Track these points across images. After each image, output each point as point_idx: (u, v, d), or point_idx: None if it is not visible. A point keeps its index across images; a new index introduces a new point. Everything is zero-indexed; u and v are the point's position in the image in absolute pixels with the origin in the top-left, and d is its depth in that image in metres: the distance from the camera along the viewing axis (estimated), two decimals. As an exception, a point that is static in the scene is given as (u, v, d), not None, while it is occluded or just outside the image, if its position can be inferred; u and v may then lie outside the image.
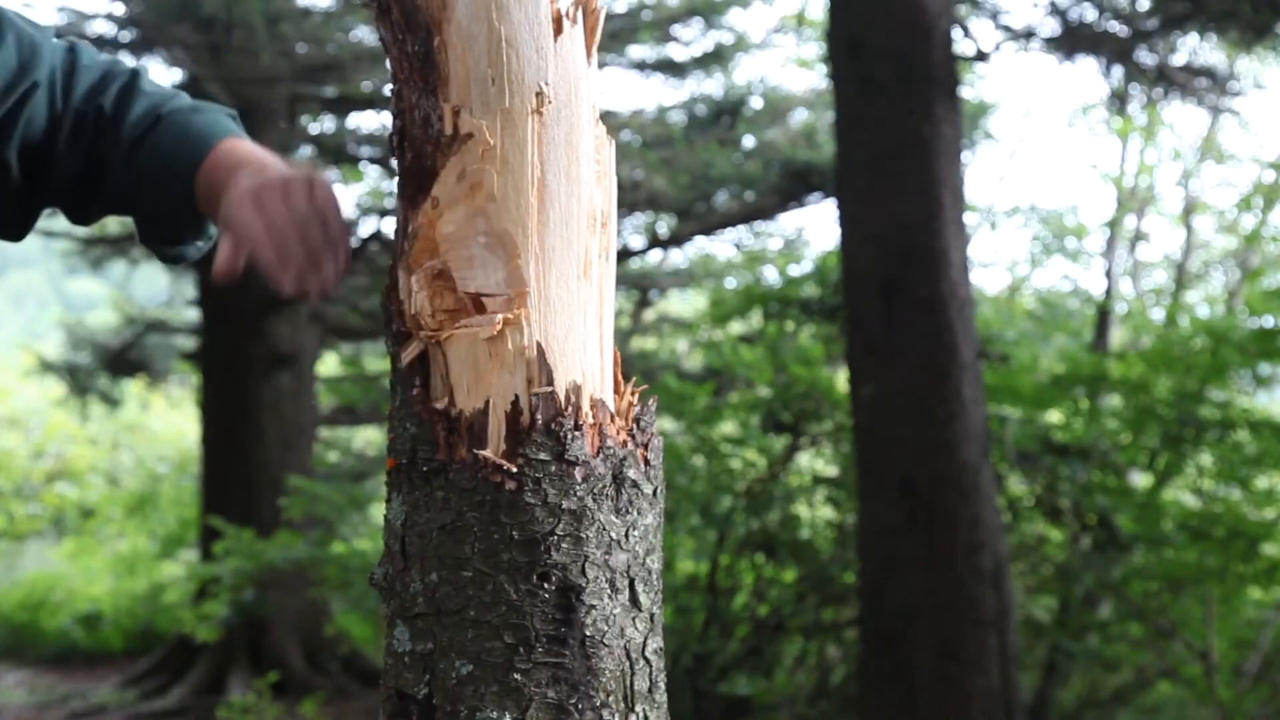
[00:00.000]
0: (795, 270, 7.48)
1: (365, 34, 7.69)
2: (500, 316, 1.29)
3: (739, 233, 9.10)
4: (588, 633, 1.29)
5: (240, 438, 8.01)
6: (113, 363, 9.61)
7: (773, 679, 5.88)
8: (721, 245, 9.90)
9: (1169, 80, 5.43)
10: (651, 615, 1.34)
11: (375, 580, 1.35)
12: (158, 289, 11.58)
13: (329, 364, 10.74)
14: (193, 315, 9.65)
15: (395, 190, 1.38)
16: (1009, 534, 5.39)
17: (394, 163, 1.37)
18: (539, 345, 1.30)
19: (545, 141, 1.31)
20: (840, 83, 4.85)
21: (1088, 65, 5.41)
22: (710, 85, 8.58)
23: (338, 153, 8.36)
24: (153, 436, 13.84)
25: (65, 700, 7.76)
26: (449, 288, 1.31)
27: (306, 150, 8.38)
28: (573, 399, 1.30)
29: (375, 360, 10.37)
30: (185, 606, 8.14)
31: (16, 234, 1.60)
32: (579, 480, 1.29)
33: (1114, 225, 9.97)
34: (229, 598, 6.58)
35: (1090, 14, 5.37)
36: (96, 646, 9.23)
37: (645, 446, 1.35)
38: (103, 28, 7.54)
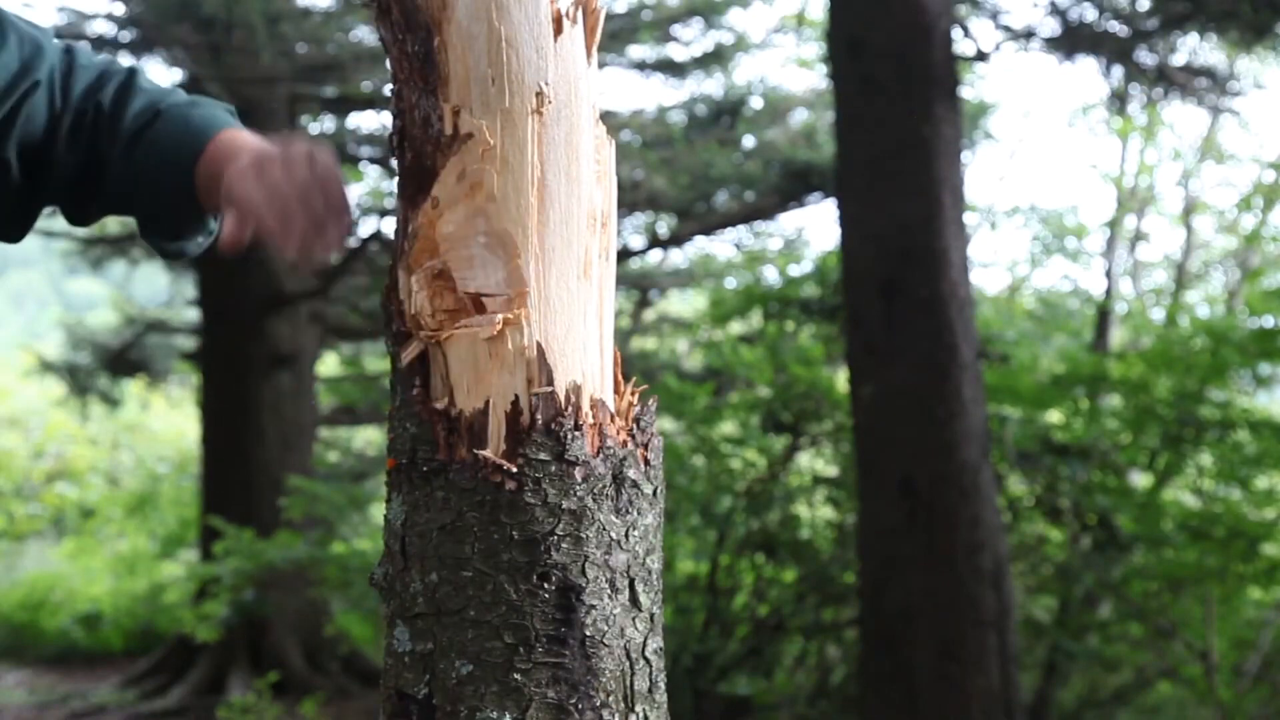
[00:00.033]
0: (795, 270, 7.48)
1: (365, 34, 7.69)
2: (500, 316, 1.29)
3: (739, 233, 9.10)
4: (588, 633, 1.29)
5: (240, 438, 8.01)
6: (113, 363, 9.61)
7: (773, 679, 5.88)
8: (721, 245, 9.91)
9: (1169, 80, 5.44)
10: (651, 615, 1.34)
11: (375, 580, 1.35)
12: (158, 289, 11.58)
13: (329, 364, 10.73)
14: (193, 315, 9.65)
15: (395, 190, 1.38)
16: (1009, 534, 5.39)
17: (394, 163, 1.37)
18: (539, 345, 1.30)
19: (545, 141, 1.31)
20: (840, 83, 4.85)
21: (1088, 65, 5.42)
22: (710, 85, 8.59)
23: (338, 153, 8.34)
24: (153, 436, 13.84)
25: (65, 700, 7.76)
26: (449, 288, 1.31)
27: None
28: (573, 399, 1.30)
29: (375, 360, 10.36)
30: (185, 606, 8.14)
31: (15, 235, 1.60)
32: (579, 480, 1.29)
33: (1114, 225, 9.97)
34: (229, 598, 6.58)
35: (1090, 14, 5.37)
36: (96, 646, 9.22)
37: (645, 446, 1.35)
38: (103, 28, 7.54)
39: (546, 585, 1.28)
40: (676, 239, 9.00)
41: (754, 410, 6.26)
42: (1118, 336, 9.09)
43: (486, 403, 1.29)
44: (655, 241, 9.16)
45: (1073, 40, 5.28)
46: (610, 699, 1.30)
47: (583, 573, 1.29)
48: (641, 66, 8.43)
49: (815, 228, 25.22)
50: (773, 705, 5.81)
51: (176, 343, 9.87)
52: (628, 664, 1.32)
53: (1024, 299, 10.89)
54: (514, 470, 1.27)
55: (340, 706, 7.32)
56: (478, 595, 1.27)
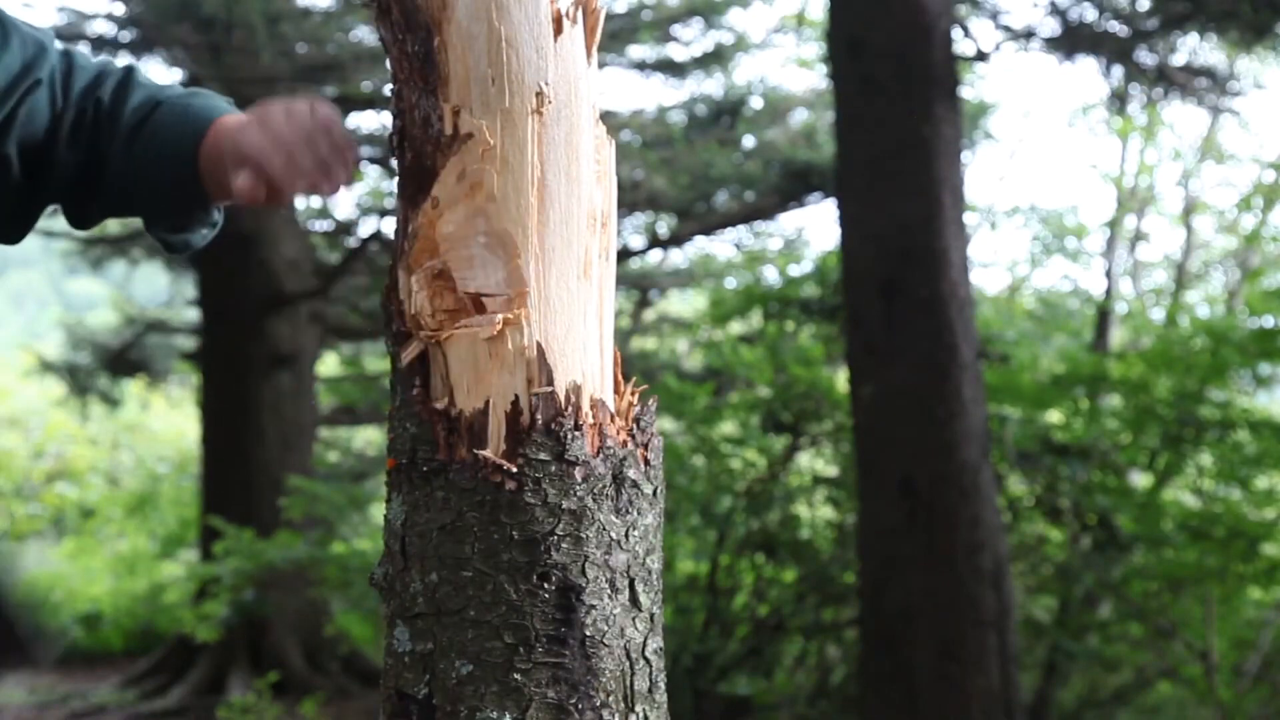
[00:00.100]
0: (795, 270, 7.47)
1: (365, 34, 7.69)
2: (500, 316, 1.29)
3: (739, 233, 9.10)
4: (588, 633, 1.29)
5: (240, 438, 8.01)
6: (113, 363, 9.62)
7: (773, 679, 5.88)
8: (721, 245, 9.91)
9: (1169, 80, 5.43)
10: (651, 615, 1.34)
11: (375, 580, 1.35)
12: (158, 289, 11.58)
13: (329, 364, 10.73)
14: (193, 315, 9.65)
15: (395, 190, 1.38)
16: (1009, 534, 5.39)
17: (394, 163, 1.38)
18: (539, 345, 1.30)
19: (545, 141, 1.31)
20: (840, 83, 4.85)
21: (1088, 65, 5.42)
22: (710, 85, 8.59)
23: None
24: (153, 436, 13.83)
25: (65, 700, 7.76)
26: (449, 288, 1.31)
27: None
28: (573, 399, 1.30)
29: (375, 360, 10.36)
30: (185, 606, 8.13)
31: (15, 235, 1.60)
32: (579, 480, 1.29)
33: (1114, 225, 9.97)
34: (229, 598, 6.58)
35: (1090, 14, 5.37)
36: (96, 646, 9.22)
37: (645, 446, 1.35)
38: (103, 28, 7.54)
39: (546, 585, 1.28)
40: (676, 239, 9.00)
41: (754, 410, 6.26)
42: (1118, 336, 9.09)
43: (486, 403, 1.29)
44: (655, 241, 9.16)
45: (1073, 40, 5.28)
46: (610, 699, 1.30)
47: (583, 573, 1.29)
48: (641, 66, 8.43)
49: (815, 228, 25.22)
50: (773, 705, 5.81)
51: (176, 343, 9.87)
52: (628, 664, 1.32)
53: (1024, 299, 10.89)
54: (514, 470, 1.27)
55: (340, 706, 7.32)
56: (478, 595, 1.27)
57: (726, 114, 8.10)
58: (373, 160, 8.38)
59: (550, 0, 1.31)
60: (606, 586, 1.30)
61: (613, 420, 1.34)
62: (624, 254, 8.54)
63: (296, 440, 8.12)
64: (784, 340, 6.40)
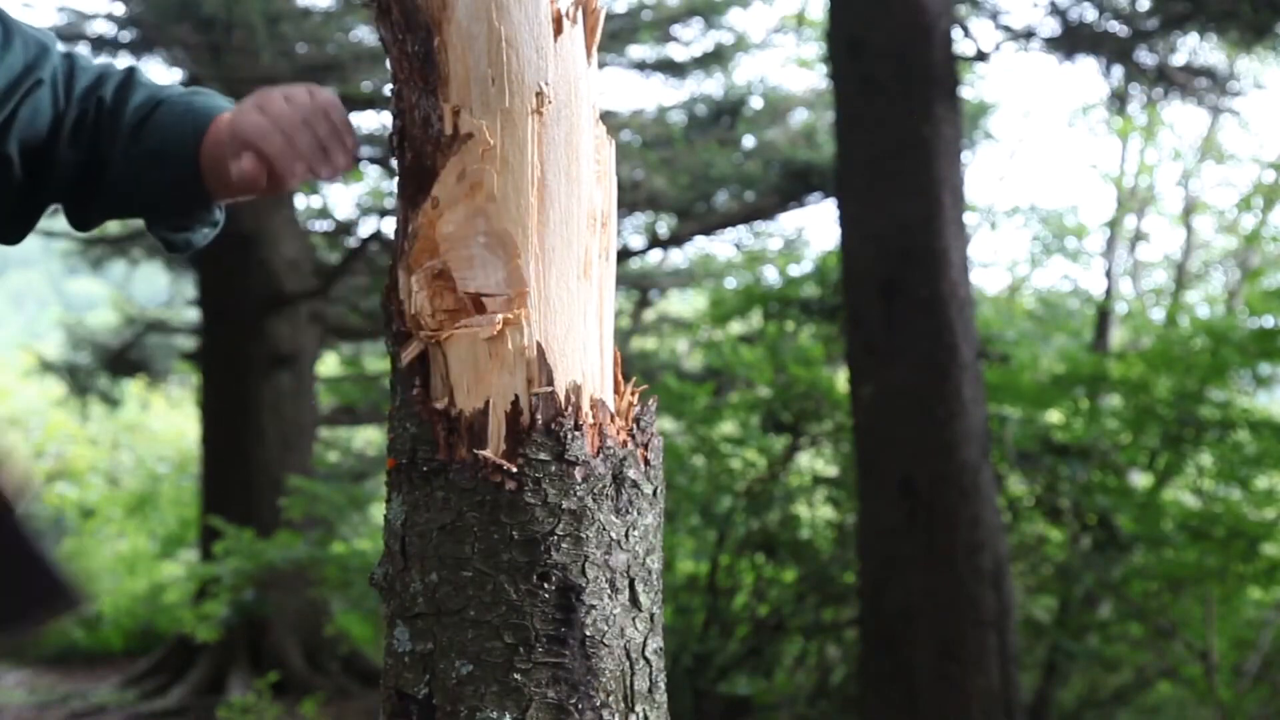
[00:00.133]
0: (795, 270, 7.47)
1: (365, 34, 7.69)
2: (500, 316, 1.29)
3: (739, 233, 9.10)
4: (588, 633, 1.29)
5: (240, 438, 8.01)
6: (113, 363, 9.62)
7: (773, 679, 5.88)
8: (721, 245, 9.91)
9: (1169, 80, 5.43)
10: (651, 615, 1.34)
11: (375, 580, 1.35)
12: (158, 289, 11.58)
13: (329, 364, 10.73)
14: (193, 315, 9.65)
15: (395, 190, 1.38)
16: (1009, 534, 5.39)
17: (394, 163, 1.38)
18: (539, 345, 1.30)
19: (545, 141, 1.31)
20: (840, 83, 4.85)
21: (1088, 65, 5.42)
22: (710, 85, 8.59)
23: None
24: (153, 436, 13.83)
25: (65, 700, 7.76)
26: (449, 288, 1.31)
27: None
28: (573, 399, 1.30)
29: (375, 360, 10.36)
30: (185, 606, 8.13)
31: (16, 236, 1.60)
32: (579, 480, 1.29)
33: (1114, 225, 9.97)
34: (229, 598, 6.58)
35: (1090, 14, 5.37)
36: (96, 646, 9.22)
37: (645, 446, 1.35)
38: (103, 28, 7.54)
39: (546, 585, 1.28)
40: (676, 239, 9.01)
41: (754, 410, 6.26)
42: (1118, 336, 9.09)
43: (486, 403, 1.29)
44: (655, 241, 9.16)
45: (1073, 40, 5.28)
46: (610, 699, 1.30)
47: (583, 573, 1.29)
48: (641, 66, 8.43)
49: (815, 228, 25.22)
50: (773, 705, 5.81)
51: (176, 343, 9.87)
52: (628, 664, 1.32)
53: (1024, 299, 10.89)
54: (514, 470, 1.27)
55: (340, 706, 7.32)
56: (478, 595, 1.27)
57: (726, 114, 8.10)
58: (373, 160, 8.38)
59: (550, 0, 1.31)
60: (606, 586, 1.30)
61: (613, 420, 1.34)
62: (624, 254, 8.54)
63: (296, 440, 8.12)
64: (784, 340, 6.40)
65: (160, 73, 7.74)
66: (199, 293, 8.56)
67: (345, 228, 9.28)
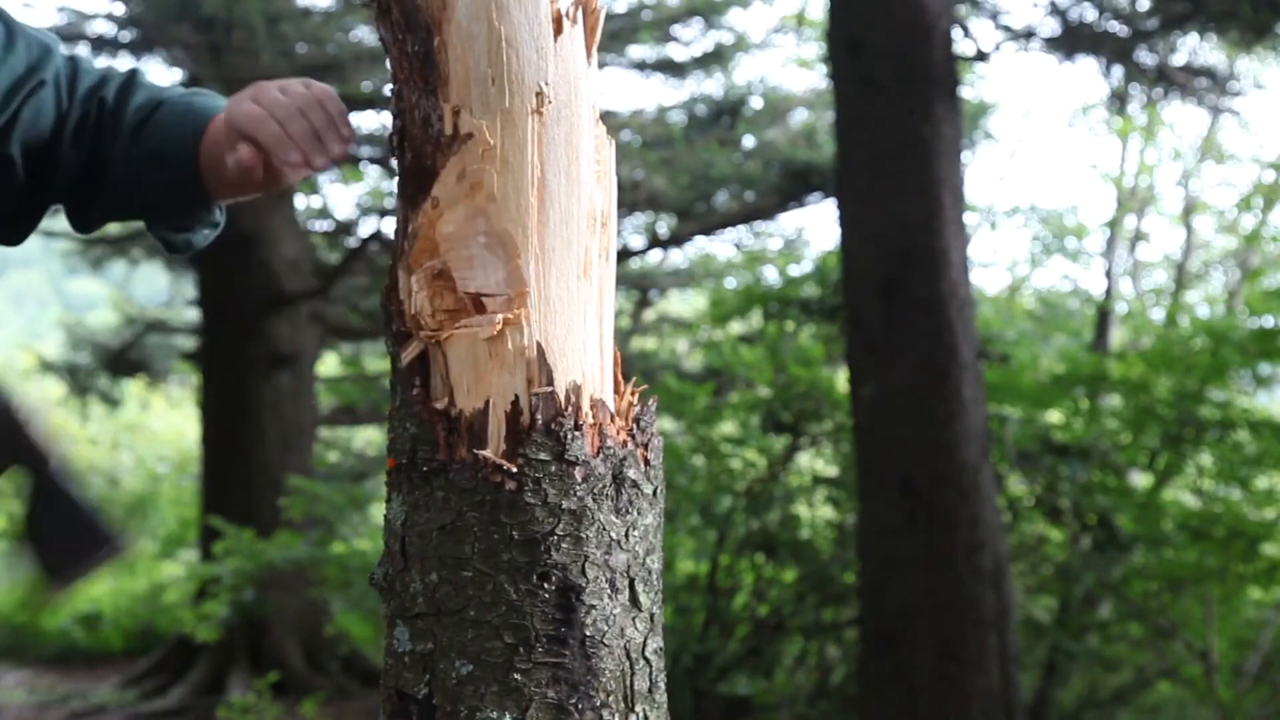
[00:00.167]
0: (795, 270, 7.47)
1: (365, 34, 7.69)
2: (500, 316, 1.29)
3: (739, 233, 9.10)
4: (588, 633, 1.29)
5: (240, 438, 8.01)
6: (113, 363, 9.62)
7: (773, 679, 5.88)
8: (721, 245, 9.92)
9: (1169, 80, 5.43)
10: (651, 615, 1.34)
11: (375, 580, 1.35)
12: (158, 289, 11.58)
13: (329, 364, 10.73)
14: (193, 315, 9.65)
15: (395, 190, 1.38)
16: (1009, 534, 5.39)
17: (394, 163, 1.38)
18: (539, 345, 1.30)
19: (545, 141, 1.31)
20: (840, 83, 4.85)
21: (1088, 65, 5.42)
22: (710, 85, 8.59)
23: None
24: (153, 436, 13.83)
25: (65, 700, 7.76)
26: (449, 288, 1.31)
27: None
28: (573, 399, 1.30)
29: (375, 360, 10.36)
30: (185, 606, 8.13)
31: (17, 236, 1.61)
32: (579, 480, 1.29)
33: (1114, 225, 9.97)
34: (229, 598, 6.58)
35: (1090, 14, 5.37)
36: (96, 646, 9.23)
37: (645, 446, 1.35)
38: (103, 28, 7.54)
39: (546, 585, 1.28)
40: (676, 239, 9.00)
41: (754, 410, 6.26)
42: (1118, 336, 9.09)
43: (486, 403, 1.29)
44: (655, 241, 9.16)
45: (1073, 40, 5.28)
46: (610, 699, 1.30)
47: (583, 573, 1.29)
48: (641, 66, 8.43)
49: (815, 228, 25.22)
50: (773, 705, 5.81)
51: (176, 343, 9.87)
52: (628, 664, 1.32)
53: (1024, 299, 10.89)
54: (514, 470, 1.27)
55: (340, 706, 7.32)
56: (478, 595, 1.27)
57: (726, 114, 8.10)
58: (373, 160, 8.38)
59: (550, 0, 1.31)
60: (606, 586, 1.30)
61: (613, 420, 1.34)
62: (624, 254, 8.54)
63: (296, 440, 8.12)
64: (784, 340, 6.40)
65: (160, 73, 7.75)
66: (199, 293, 8.56)
67: (345, 228, 9.28)
